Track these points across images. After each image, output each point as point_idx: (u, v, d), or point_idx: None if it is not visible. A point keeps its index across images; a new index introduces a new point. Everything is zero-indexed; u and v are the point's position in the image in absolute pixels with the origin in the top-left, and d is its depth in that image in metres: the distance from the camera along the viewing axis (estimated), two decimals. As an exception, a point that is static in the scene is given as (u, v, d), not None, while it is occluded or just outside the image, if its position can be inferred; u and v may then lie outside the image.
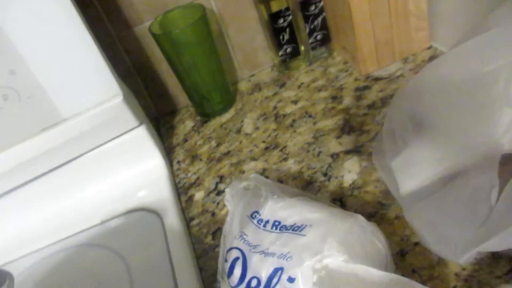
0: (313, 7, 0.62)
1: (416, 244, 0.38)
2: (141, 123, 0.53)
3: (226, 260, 0.36)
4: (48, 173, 0.51)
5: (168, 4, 0.60)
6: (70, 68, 0.47)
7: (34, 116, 0.47)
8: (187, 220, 0.49)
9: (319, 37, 0.65)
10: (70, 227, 0.51)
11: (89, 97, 0.48)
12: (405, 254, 0.38)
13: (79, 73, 0.47)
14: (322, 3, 0.62)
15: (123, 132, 0.52)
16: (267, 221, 0.36)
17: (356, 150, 0.49)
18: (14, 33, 0.44)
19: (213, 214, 0.49)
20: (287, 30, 0.62)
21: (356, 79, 0.60)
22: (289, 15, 0.61)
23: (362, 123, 0.52)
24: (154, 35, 0.56)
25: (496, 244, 0.29)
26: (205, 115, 0.64)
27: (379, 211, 0.42)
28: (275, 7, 0.61)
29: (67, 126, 0.48)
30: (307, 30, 0.64)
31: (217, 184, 0.52)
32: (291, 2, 0.60)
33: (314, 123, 0.55)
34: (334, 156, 0.49)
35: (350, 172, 0.47)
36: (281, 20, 0.61)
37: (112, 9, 0.57)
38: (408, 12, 0.57)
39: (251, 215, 0.38)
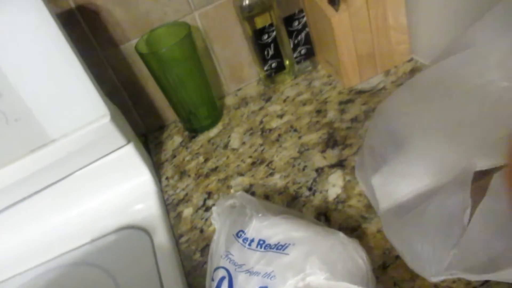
0: (296, 23, 0.63)
1: (397, 257, 0.39)
2: (129, 141, 0.54)
3: (213, 280, 0.37)
4: (37, 193, 0.52)
5: (154, 22, 0.61)
6: (57, 90, 0.47)
7: (22, 138, 0.48)
8: (176, 237, 0.50)
9: (303, 51, 0.66)
10: (60, 246, 0.52)
11: (76, 118, 0.49)
12: (387, 267, 0.39)
13: (66, 94, 0.48)
14: (305, 18, 0.63)
15: (111, 150, 0.53)
16: (252, 240, 0.37)
17: (340, 164, 0.50)
18: (0, 57, 0.45)
19: (202, 230, 0.50)
20: (272, 45, 0.64)
21: (340, 92, 0.61)
22: (273, 31, 0.62)
23: (346, 137, 0.54)
24: (141, 54, 0.57)
25: (467, 274, 0.30)
26: (193, 131, 0.65)
27: (361, 224, 0.43)
28: (259, 24, 0.62)
29: (56, 147, 0.49)
30: (291, 45, 0.65)
31: (205, 200, 0.53)
32: (275, 18, 0.62)
33: (299, 137, 0.56)
34: (319, 171, 0.51)
35: (334, 186, 0.48)
36: (266, 36, 0.62)
37: (98, 27, 0.58)
38: (388, 26, 0.59)
39: (237, 234, 0.38)
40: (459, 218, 0.28)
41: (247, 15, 0.61)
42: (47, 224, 0.53)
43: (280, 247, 0.35)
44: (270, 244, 0.36)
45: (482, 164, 0.32)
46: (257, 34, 0.62)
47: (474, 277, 0.29)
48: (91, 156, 0.52)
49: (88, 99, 0.49)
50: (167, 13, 0.61)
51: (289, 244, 0.35)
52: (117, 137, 0.52)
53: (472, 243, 0.27)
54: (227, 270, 0.36)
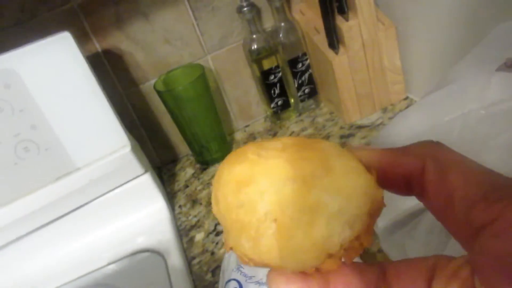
0: (300, 65, 0.69)
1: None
2: (146, 171, 0.58)
3: (225, 292, 0.40)
4: (59, 218, 0.56)
5: (171, 64, 0.67)
6: (84, 122, 0.52)
7: (50, 166, 0.52)
8: (188, 259, 0.53)
9: (306, 90, 0.72)
10: (79, 268, 0.55)
11: (100, 148, 0.54)
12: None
13: (92, 126, 0.53)
14: (308, 61, 0.69)
15: (130, 179, 0.57)
16: (261, 255, 0.41)
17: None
18: (37, 92, 0.50)
19: (213, 253, 0.53)
20: (278, 85, 0.69)
21: (341, 128, 0.66)
22: (279, 72, 0.68)
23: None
24: (158, 92, 0.63)
25: None
26: (204, 163, 0.69)
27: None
28: (266, 65, 0.68)
29: (80, 174, 0.53)
30: (296, 85, 0.71)
31: (216, 225, 0.57)
32: (281, 60, 0.68)
33: (304, 168, 0.60)
34: (322, 198, 0.54)
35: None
36: (272, 77, 0.68)
37: (120, 68, 0.64)
38: (384, 68, 0.64)
39: (247, 250, 0.42)
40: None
41: (255, 57, 0.68)
42: (66, 248, 0.57)
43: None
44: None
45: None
46: (265, 75, 0.68)
47: None
48: (111, 184, 0.56)
49: (111, 130, 0.54)
50: (183, 56, 0.67)
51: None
52: (135, 167, 0.56)
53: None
54: (238, 282, 0.39)
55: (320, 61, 0.66)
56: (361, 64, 0.63)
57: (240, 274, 0.40)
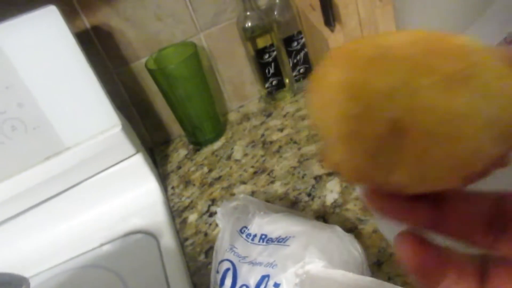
0: (295, 44, 0.68)
1: (391, 254, 0.42)
2: (137, 151, 0.57)
3: (217, 272, 0.40)
4: (50, 199, 0.55)
5: (162, 42, 0.65)
6: (73, 100, 0.51)
7: (39, 146, 0.51)
8: (181, 241, 0.53)
9: (302, 70, 0.70)
10: (70, 250, 0.54)
11: (90, 127, 0.52)
12: (382, 264, 0.41)
13: (81, 105, 0.51)
14: (303, 39, 0.68)
15: (121, 159, 0.56)
16: (255, 235, 0.40)
17: (337, 172, 0.53)
18: (23, 68, 0.48)
19: (206, 234, 0.52)
20: (272, 64, 0.68)
21: (336, 108, 0.65)
22: (273, 51, 0.67)
23: (343, 147, 0.57)
24: (150, 70, 0.61)
25: None
26: (198, 144, 0.68)
27: (358, 226, 0.46)
28: (260, 44, 0.66)
29: (69, 154, 0.52)
30: (291, 64, 0.69)
31: (209, 206, 0.56)
32: (276, 39, 0.66)
33: (299, 149, 0.60)
34: (317, 178, 0.54)
35: (332, 192, 0.51)
36: (267, 56, 0.67)
37: (110, 46, 0.63)
38: (381, 47, 0.63)
39: (240, 230, 0.41)
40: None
41: (250, 36, 0.66)
42: (58, 229, 0.56)
43: (281, 240, 0.38)
44: (271, 238, 0.39)
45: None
46: (259, 54, 0.67)
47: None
48: (102, 164, 0.55)
49: (101, 110, 0.52)
50: (175, 34, 0.65)
51: (290, 237, 0.38)
52: (127, 147, 0.55)
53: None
54: (231, 262, 0.39)
55: (315, 39, 0.64)
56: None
57: (233, 254, 0.39)
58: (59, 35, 0.49)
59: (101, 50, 0.62)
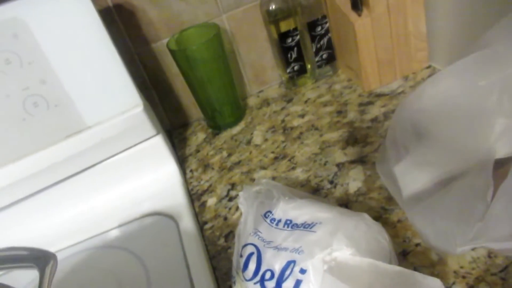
0: (319, 28, 0.66)
1: (417, 245, 0.41)
2: (157, 133, 0.56)
3: (241, 256, 0.39)
4: (69, 178, 0.54)
5: (184, 23, 0.64)
6: (95, 79, 0.50)
7: (60, 123, 0.51)
8: (200, 224, 0.52)
9: (324, 56, 0.69)
10: (90, 229, 0.54)
11: (111, 107, 0.51)
12: (407, 254, 0.40)
13: (104, 83, 0.51)
14: (328, 24, 0.66)
15: (141, 140, 0.55)
16: (279, 220, 0.39)
17: (360, 160, 0.52)
18: (46, 44, 0.48)
19: (225, 218, 0.51)
20: (295, 49, 0.66)
21: (359, 95, 0.64)
22: (297, 35, 0.65)
23: (366, 135, 0.56)
24: (172, 51, 0.60)
25: (491, 242, 0.32)
26: (217, 128, 0.67)
27: (382, 215, 0.45)
28: (284, 27, 0.65)
29: (90, 133, 0.51)
30: (314, 49, 0.68)
31: (228, 191, 0.55)
32: (299, 23, 0.65)
33: (321, 135, 0.58)
34: (340, 166, 0.53)
35: (355, 180, 0.50)
36: (290, 40, 0.65)
37: (132, 26, 0.62)
38: (408, 33, 0.61)
39: (264, 215, 0.40)
40: (482, 196, 0.30)
41: (273, 19, 0.64)
42: (76, 209, 0.56)
43: (307, 226, 0.37)
44: (297, 224, 0.38)
45: (502, 152, 0.34)
46: (282, 38, 0.65)
47: (497, 245, 0.30)
48: (122, 144, 0.55)
49: (123, 89, 0.52)
50: (198, 15, 0.64)
51: (316, 223, 0.37)
52: (147, 127, 0.54)
53: (495, 217, 0.29)
54: (256, 246, 0.38)
55: (341, 24, 0.63)
56: (384, 28, 0.60)
57: (258, 238, 0.38)
58: (83, 11, 0.48)
59: (123, 29, 0.61)
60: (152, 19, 0.62)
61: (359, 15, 0.59)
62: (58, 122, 0.51)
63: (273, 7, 0.64)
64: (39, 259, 0.28)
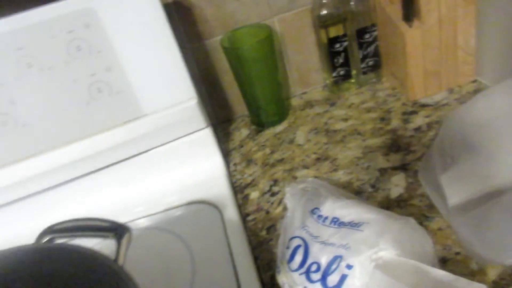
0: (368, 36, 0.67)
1: (457, 253, 0.42)
2: (207, 126, 0.59)
3: (288, 247, 0.41)
4: (123, 161, 0.58)
5: (237, 22, 0.66)
6: (155, 69, 0.53)
7: (120, 109, 0.54)
8: (243, 216, 0.54)
9: (370, 63, 0.70)
10: (138, 211, 0.57)
11: (168, 97, 0.54)
12: (447, 262, 0.42)
13: (163, 75, 0.54)
14: (376, 32, 0.67)
15: (192, 131, 0.58)
16: (326, 217, 0.41)
17: (402, 167, 0.54)
18: (115, 35, 0.51)
19: (268, 212, 0.54)
20: (342, 54, 0.68)
21: (403, 104, 0.65)
22: (345, 41, 0.67)
23: (409, 144, 0.57)
24: (225, 48, 0.62)
25: None
26: (260, 125, 0.70)
27: (423, 222, 0.46)
28: (333, 33, 0.67)
29: (146, 121, 0.54)
30: (360, 56, 0.69)
31: (271, 186, 0.57)
32: (349, 29, 0.66)
33: (363, 140, 0.60)
34: (382, 171, 0.54)
35: (396, 186, 0.51)
36: (338, 45, 0.67)
37: (188, 22, 0.64)
38: (456, 47, 0.62)
39: (312, 211, 0.42)
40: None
41: (323, 24, 0.66)
42: (127, 190, 0.59)
43: (354, 225, 0.39)
44: (344, 222, 0.40)
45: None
46: (330, 42, 0.67)
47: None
48: (174, 134, 0.58)
49: (180, 82, 0.55)
50: (250, 15, 0.66)
51: (363, 223, 0.38)
52: (199, 120, 0.57)
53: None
54: (303, 239, 0.40)
55: (390, 33, 0.64)
56: (434, 40, 0.61)
57: (306, 232, 0.40)
58: (150, 6, 0.51)
59: (179, 25, 0.64)
60: (207, 16, 0.65)
61: (410, 26, 0.60)
62: (118, 108, 0.54)
63: (324, 12, 0.65)
64: (117, 231, 0.31)
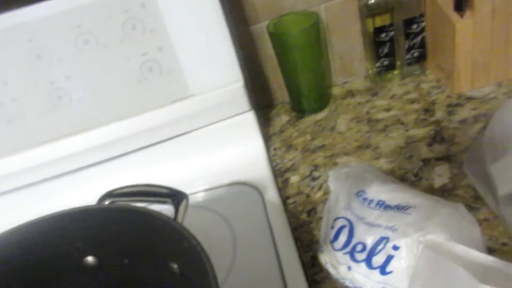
0: (415, 26, 0.67)
1: (504, 244, 0.41)
2: (250, 109, 0.60)
3: (332, 227, 0.42)
4: (168, 140, 0.59)
5: (284, 9, 0.67)
6: (205, 51, 0.54)
7: (169, 89, 0.55)
8: (282, 199, 0.55)
9: (416, 54, 0.69)
10: (180, 188, 0.58)
11: (215, 79, 0.56)
12: (493, 252, 0.41)
13: (212, 56, 0.55)
14: (424, 23, 0.66)
15: (236, 114, 0.59)
16: (372, 200, 0.41)
17: (447, 158, 0.53)
18: (168, 16, 0.52)
19: (308, 196, 0.54)
20: (387, 44, 0.67)
21: (448, 96, 0.64)
22: (391, 30, 0.66)
23: (454, 135, 0.56)
24: (271, 34, 0.63)
25: None
26: (301, 112, 0.70)
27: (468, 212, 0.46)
28: (378, 22, 0.66)
29: (193, 101, 0.56)
30: (406, 47, 0.69)
31: (311, 171, 0.58)
32: (396, 19, 0.66)
33: (406, 130, 0.60)
34: (425, 161, 0.54)
35: (440, 176, 0.51)
36: (384, 35, 0.67)
37: (236, 7, 0.65)
38: (509, 39, 0.60)
39: (357, 193, 0.43)
40: None
41: (370, 13, 0.66)
42: (170, 168, 0.60)
43: (401, 208, 0.39)
44: (390, 205, 0.40)
45: None
46: (376, 32, 0.66)
47: None
48: (219, 115, 0.59)
49: (228, 63, 0.56)
50: (297, 2, 0.67)
51: (410, 206, 0.39)
52: (243, 102, 0.58)
53: None
54: (349, 220, 0.40)
55: (439, 23, 0.63)
56: (485, 31, 0.59)
57: (351, 213, 0.41)
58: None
59: (227, 9, 0.65)
60: (255, 2, 0.66)
61: (462, 16, 0.59)
62: (167, 88, 0.55)
63: (372, 1, 0.65)
64: (175, 197, 0.33)
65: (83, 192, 0.55)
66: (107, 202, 0.34)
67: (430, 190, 0.49)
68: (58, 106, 0.54)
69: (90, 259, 0.34)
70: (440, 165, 0.52)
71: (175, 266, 0.30)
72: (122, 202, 0.34)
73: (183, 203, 0.32)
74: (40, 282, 0.35)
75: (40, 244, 0.33)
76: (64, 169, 0.58)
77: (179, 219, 0.31)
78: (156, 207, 0.33)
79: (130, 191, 0.35)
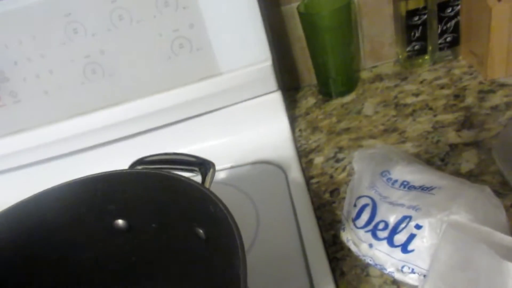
0: (450, 10, 0.65)
1: (531, 231, 0.41)
2: (277, 89, 0.60)
3: (355, 205, 0.42)
4: (195, 117, 0.61)
5: (315, -11, 0.66)
6: (235, 29, 0.55)
7: (198, 66, 0.56)
8: (306, 178, 0.56)
9: (448, 39, 0.68)
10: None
11: (244, 57, 0.56)
12: (518, 238, 0.41)
13: (242, 34, 0.55)
14: (459, 7, 0.65)
15: (263, 93, 0.60)
16: (396, 181, 0.42)
17: (475, 144, 0.52)
18: (199, -6, 0.53)
19: (331, 176, 0.55)
20: (420, 28, 0.66)
21: (480, 83, 0.62)
22: (425, 14, 0.65)
23: (483, 121, 0.55)
24: (301, 14, 0.63)
25: None
26: (328, 95, 0.70)
27: (495, 198, 0.45)
28: (412, 5, 0.65)
29: (221, 79, 0.57)
30: (439, 31, 0.67)
31: (336, 153, 0.58)
32: (430, 2, 0.64)
33: (434, 115, 0.59)
34: (453, 146, 0.53)
35: (467, 161, 0.50)
36: (416, 18, 0.65)
37: (267, -13, 0.66)
38: (548, 25, 0.58)
39: (381, 173, 0.43)
40: None
41: (403, -5, 0.65)
42: (195, 144, 0.62)
43: (425, 189, 0.39)
44: (414, 186, 0.40)
45: None
46: (409, 15, 0.65)
47: None
48: (247, 94, 0.59)
49: (257, 42, 0.56)
50: (329, -16, 0.66)
51: (435, 187, 0.39)
52: (271, 82, 0.59)
53: None
54: (372, 199, 0.41)
55: (475, 7, 0.62)
56: (523, 16, 0.58)
57: (374, 192, 0.41)
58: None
59: (258, -11, 0.66)
60: (286, -18, 0.66)
61: (499, 0, 0.57)
62: (196, 65, 0.56)
63: (405, -17, 0.64)
64: (202, 165, 0.34)
65: (113, 164, 0.57)
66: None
67: (456, 175, 0.49)
68: (92, 79, 0.56)
69: (120, 222, 0.35)
70: (468, 151, 0.52)
71: (201, 231, 0.31)
72: (151, 169, 0.35)
73: (210, 172, 0.33)
74: (71, 243, 0.37)
75: (72, 205, 0.35)
76: (95, 141, 0.60)
77: (206, 186, 0.32)
78: (184, 175, 0.34)
79: (159, 159, 0.36)
